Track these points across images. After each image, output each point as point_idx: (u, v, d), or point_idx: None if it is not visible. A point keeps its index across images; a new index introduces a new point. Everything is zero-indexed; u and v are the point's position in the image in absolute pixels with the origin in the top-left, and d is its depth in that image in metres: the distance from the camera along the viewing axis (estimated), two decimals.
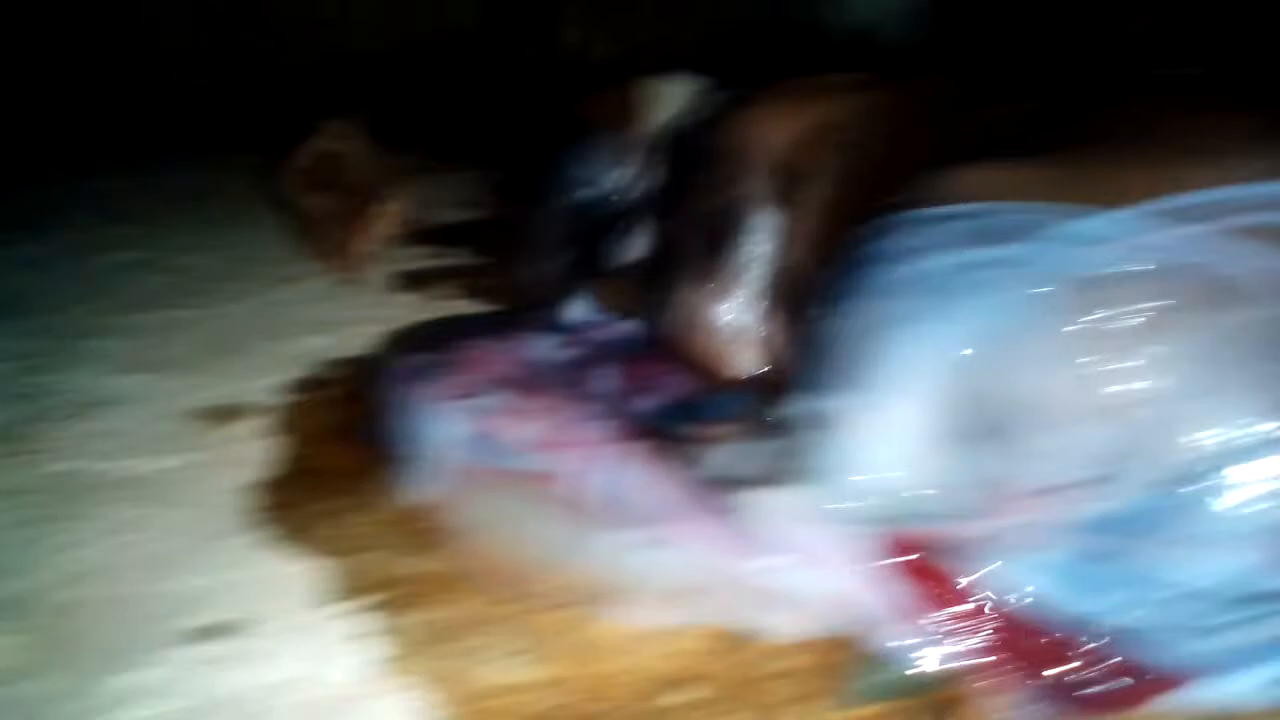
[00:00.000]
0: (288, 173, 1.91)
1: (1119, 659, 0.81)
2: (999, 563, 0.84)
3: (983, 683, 0.84)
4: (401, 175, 2.08)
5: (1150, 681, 0.81)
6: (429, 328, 1.52)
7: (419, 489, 1.10)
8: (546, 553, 0.98)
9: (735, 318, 1.28)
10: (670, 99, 1.53)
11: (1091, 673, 0.81)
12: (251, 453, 1.28)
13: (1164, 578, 0.80)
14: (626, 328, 1.45)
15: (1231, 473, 0.78)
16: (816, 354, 0.94)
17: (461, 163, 2.89)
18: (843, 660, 0.89)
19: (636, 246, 1.49)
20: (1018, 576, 0.84)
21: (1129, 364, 0.79)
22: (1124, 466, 0.80)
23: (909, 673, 0.86)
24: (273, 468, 1.24)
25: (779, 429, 0.98)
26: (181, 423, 1.36)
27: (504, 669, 0.89)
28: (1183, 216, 0.80)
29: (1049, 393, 0.81)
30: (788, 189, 1.24)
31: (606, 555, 0.96)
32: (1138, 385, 0.79)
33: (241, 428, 1.34)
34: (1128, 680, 0.81)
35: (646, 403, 1.26)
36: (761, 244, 1.26)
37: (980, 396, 0.83)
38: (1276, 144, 0.86)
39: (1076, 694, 0.81)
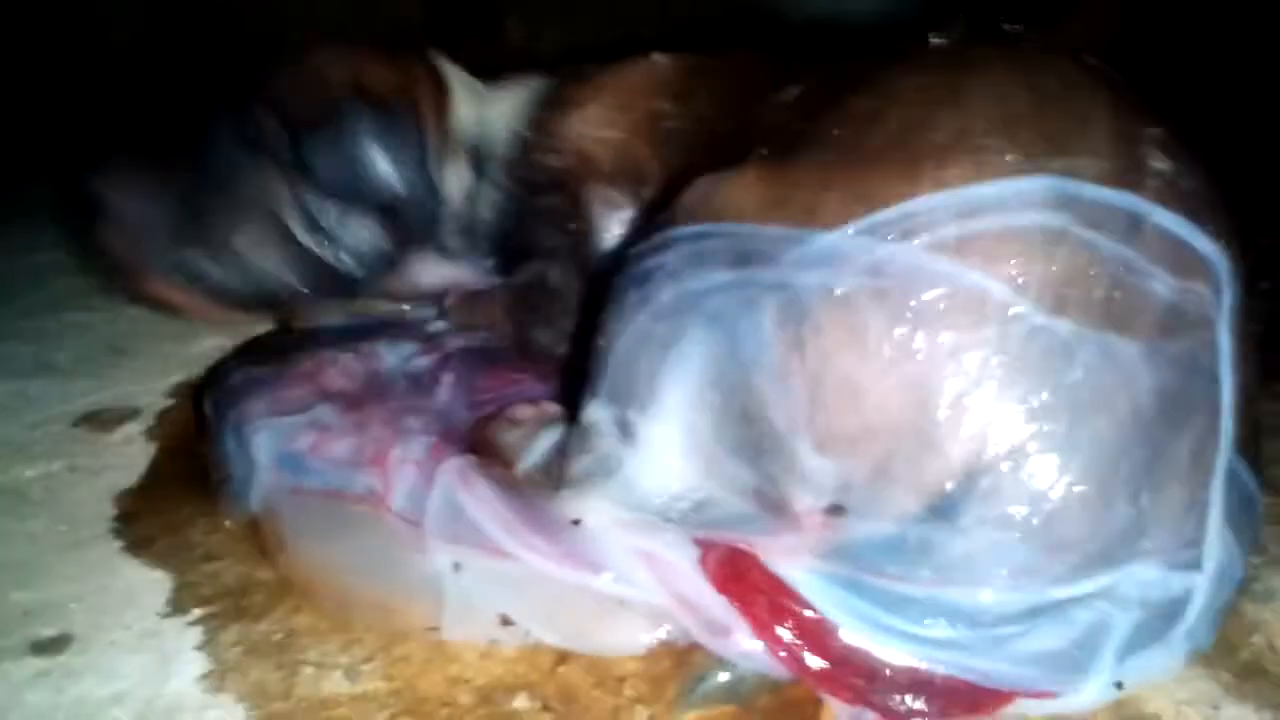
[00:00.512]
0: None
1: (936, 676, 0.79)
2: (797, 574, 0.82)
3: (813, 689, 0.82)
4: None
5: (989, 696, 0.79)
6: (278, 336, 1.48)
7: (239, 507, 1.07)
8: (374, 574, 0.95)
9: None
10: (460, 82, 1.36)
11: (931, 689, 0.79)
12: (125, 459, 1.25)
13: (939, 602, 0.78)
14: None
15: (986, 496, 0.75)
16: (598, 366, 0.91)
17: None
18: (683, 664, 0.87)
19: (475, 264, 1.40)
20: (813, 590, 0.81)
21: (854, 385, 0.77)
22: (872, 495, 0.78)
23: (745, 678, 0.84)
24: (139, 475, 1.22)
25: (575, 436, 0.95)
26: (63, 429, 1.34)
27: (348, 679, 0.87)
28: (893, 233, 0.76)
29: (792, 418, 0.79)
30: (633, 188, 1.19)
31: (433, 580, 0.92)
32: (879, 412, 0.76)
33: (120, 434, 1.32)
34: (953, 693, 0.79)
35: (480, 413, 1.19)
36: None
37: (738, 416, 0.82)
38: (1047, 127, 0.79)
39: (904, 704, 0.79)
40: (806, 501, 0.80)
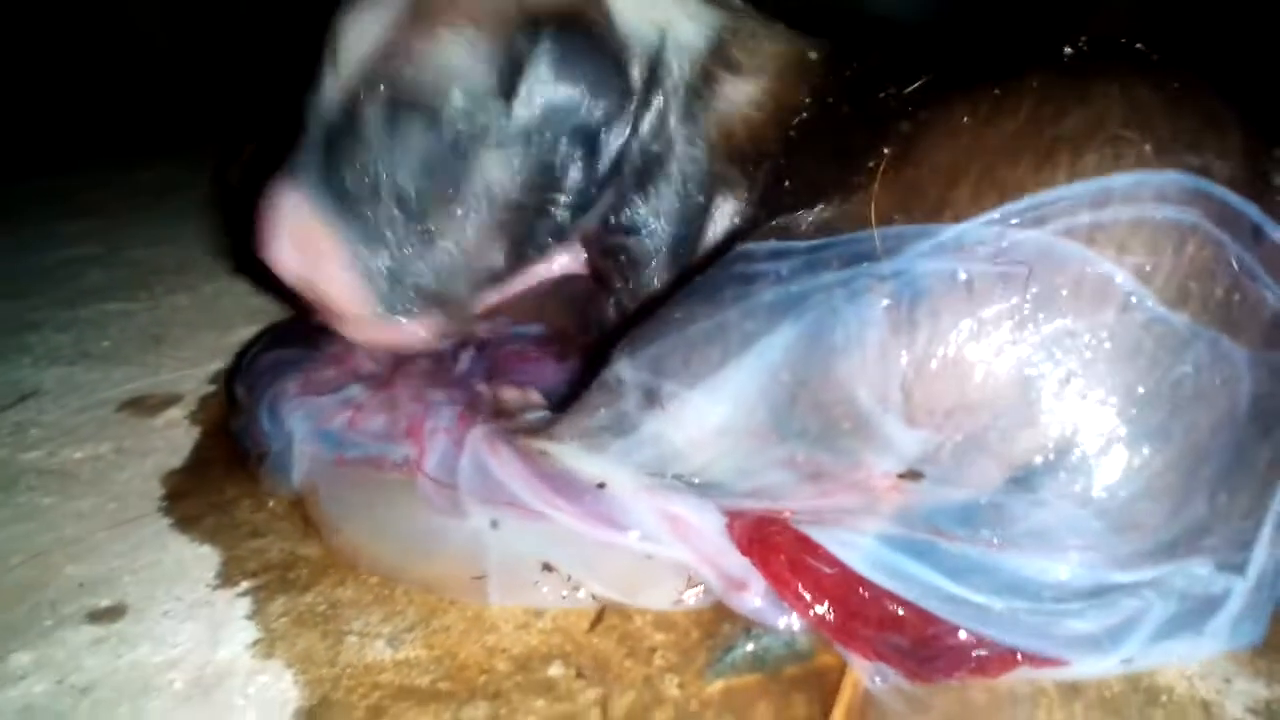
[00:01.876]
0: (232, 165, 1.93)
1: (968, 636, 0.82)
2: (843, 539, 0.85)
3: (845, 653, 0.85)
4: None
5: (998, 658, 0.82)
6: (298, 323, 1.51)
7: (282, 483, 1.11)
8: (416, 539, 0.99)
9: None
10: None
11: (942, 646, 0.82)
12: (170, 442, 1.30)
13: (1002, 569, 0.81)
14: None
15: (1070, 472, 0.78)
16: (654, 335, 0.93)
17: None
18: (711, 636, 0.90)
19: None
20: (858, 553, 0.84)
21: (963, 363, 0.79)
22: (956, 465, 0.81)
23: (779, 644, 0.88)
24: (184, 457, 1.26)
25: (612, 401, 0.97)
26: (108, 413, 1.39)
27: (390, 647, 0.91)
28: (1024, 221, 0.78)
29: (885, 395, 0.81)
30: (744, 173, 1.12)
31: (474, 539, 0.97)
32: (983, 389, 0.79)
33: (164, 418, 1.36)
34: (980, 652, 0.82)
35: (506, 388, 1.24)
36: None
37: (810, 405, 0.84)
38: (1182, 124, 0.80)
39: (931, 663, 0.82)
40: (883, 468, 0.83)
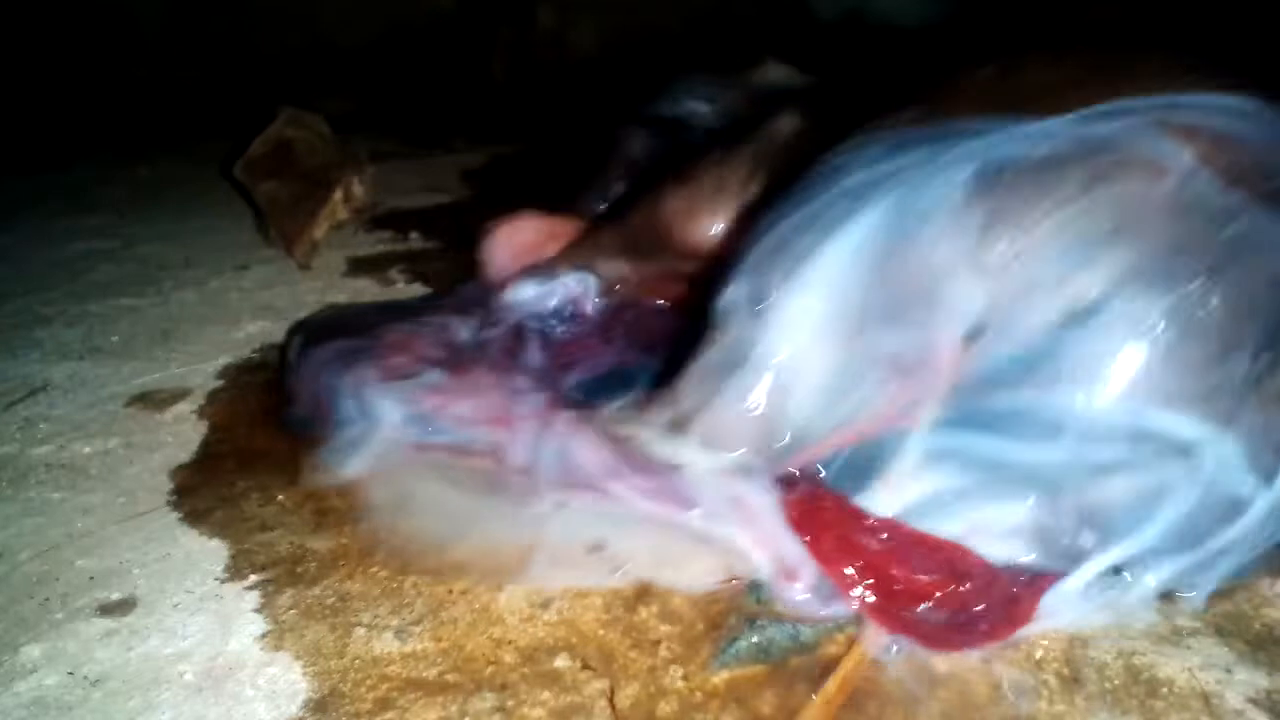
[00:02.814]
0: (241, 160, 1.94)
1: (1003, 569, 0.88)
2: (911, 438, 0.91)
3: (863, 631, 0.88)
4: (359, 161, 2.11)
5: (1030, 588, 0.88)
6: (344, 313, 1.55)
7: (344, 468, 1.13)
8: (460, 524, 1.03)
9: None
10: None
11: (973, 595, 0.87)
12: (178, 437, 1.31)
13: (1049, 409, 0.86)
14: (567, 296, 1.47)
15: (1122, 307, 0.85)
16: (750, 244, 1.00)
17: (435, 148, 2.92)
18: (716, 628, 0.91)
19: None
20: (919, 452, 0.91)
21: (1032, 212, 0.87)
22: (1018, 308, 0.87)
23: (783, 635, 0.89)
24: (192, 452, 1.27)
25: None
26: (119, 407, 1.40)
27: (398, 639, 0.92)
28: (1103, 117, 0.88)
29: (957, 249, 0.89)
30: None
31: (533, 521, 1.02)
32: (1049, 234, 0.87)
33: (172, 413, 1.37)
34: (1010, 591, 0.87)
35: (573, 376, 1.30)
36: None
37: (894, 276, 0.92)
38: (1227, 78, 0.91)
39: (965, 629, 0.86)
40: (949, 333, 0.89)
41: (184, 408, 1.39)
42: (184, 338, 1.63)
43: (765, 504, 0.95)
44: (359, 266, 1.96)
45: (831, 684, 0.82)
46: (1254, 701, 0.82)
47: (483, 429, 1.12)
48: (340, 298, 1.78)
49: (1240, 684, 0.84)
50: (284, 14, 3.68)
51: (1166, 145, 0.86)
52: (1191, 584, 0.89)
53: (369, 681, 0.86)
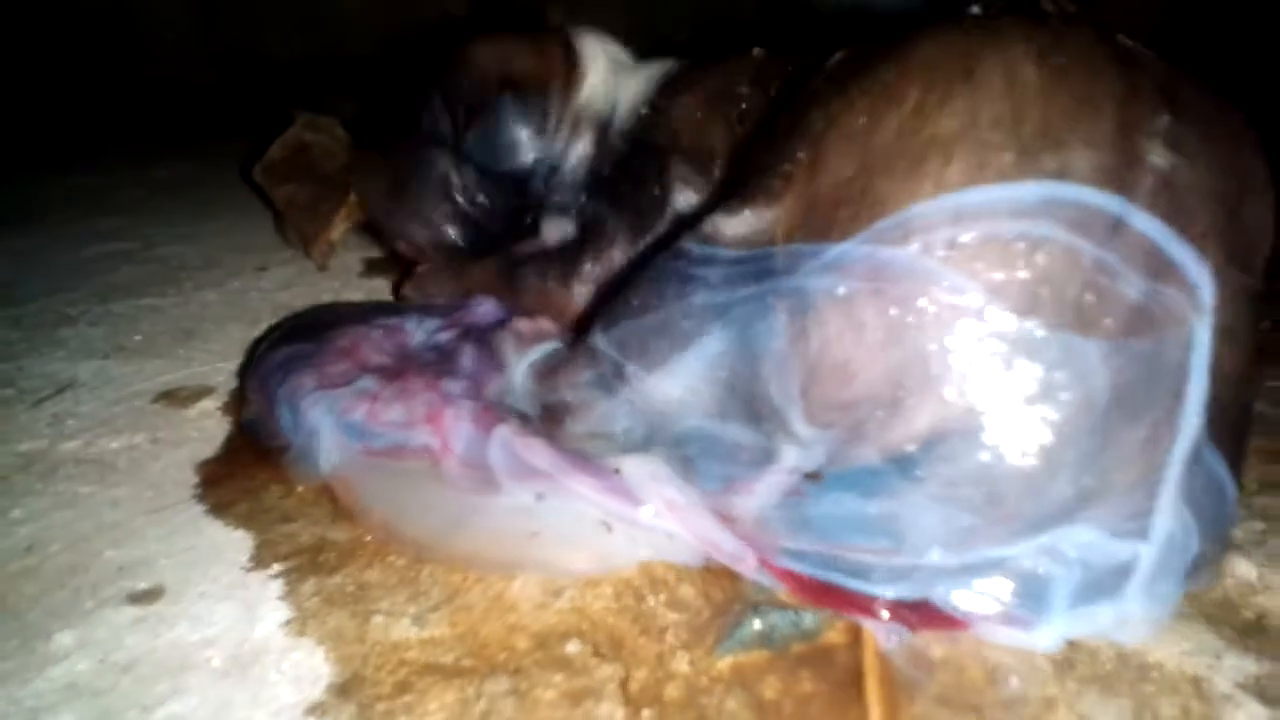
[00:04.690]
0: (259, 164, 1.97)
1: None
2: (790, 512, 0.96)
3: (849, 622, 0.91)
4: (375, 164, 2.15)
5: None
6: (306, 318, 1.58)
7: (310, 472, 1.17)
8: (443, 520, 1.05)
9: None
10: (598, 61, 1.54)
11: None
12: (203, 433, 1.35)
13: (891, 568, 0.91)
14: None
15: (941, 459, 0.87)
16: (619, 317, 1.07)
17: None
18: (721, 615, 0.94)
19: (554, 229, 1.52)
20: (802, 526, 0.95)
21: (844, 367, 0.90)
22: (844, 451, 0.92)
23: (786, 622, 0.92)
24: (216, 446, 1.31)
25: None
26: (144, 404, 1.44)
27: (416, 625, 0.95)
28: (892, 238, 0.87)
29: (788, 394, 0.94)
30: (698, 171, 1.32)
31: (519, 510, 1.05)
32: (863, 388, 0.89)
33: (196, 410, 1.41)
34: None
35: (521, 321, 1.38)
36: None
37: (743, 397, 0.98)
38: (1050, 114, 0.84)
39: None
40: (791, 458, 0.95)
41: (207, 404, 1.43)
42: (206, 337, 1.67)
43: (699, 509, 1.00)
44: (374, 267, 2.01)
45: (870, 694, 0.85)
46: (1243, 686, 0.85)
47: (414, 431, 1.14)
48: (356, 296, 1.83)
49: (1230, 669, 0.87)
50: (295, 18, 3.72)
51: (954, 280, 0.83)
52: (1122, 621, 0.90)
53: (389, 666, 0.90)
